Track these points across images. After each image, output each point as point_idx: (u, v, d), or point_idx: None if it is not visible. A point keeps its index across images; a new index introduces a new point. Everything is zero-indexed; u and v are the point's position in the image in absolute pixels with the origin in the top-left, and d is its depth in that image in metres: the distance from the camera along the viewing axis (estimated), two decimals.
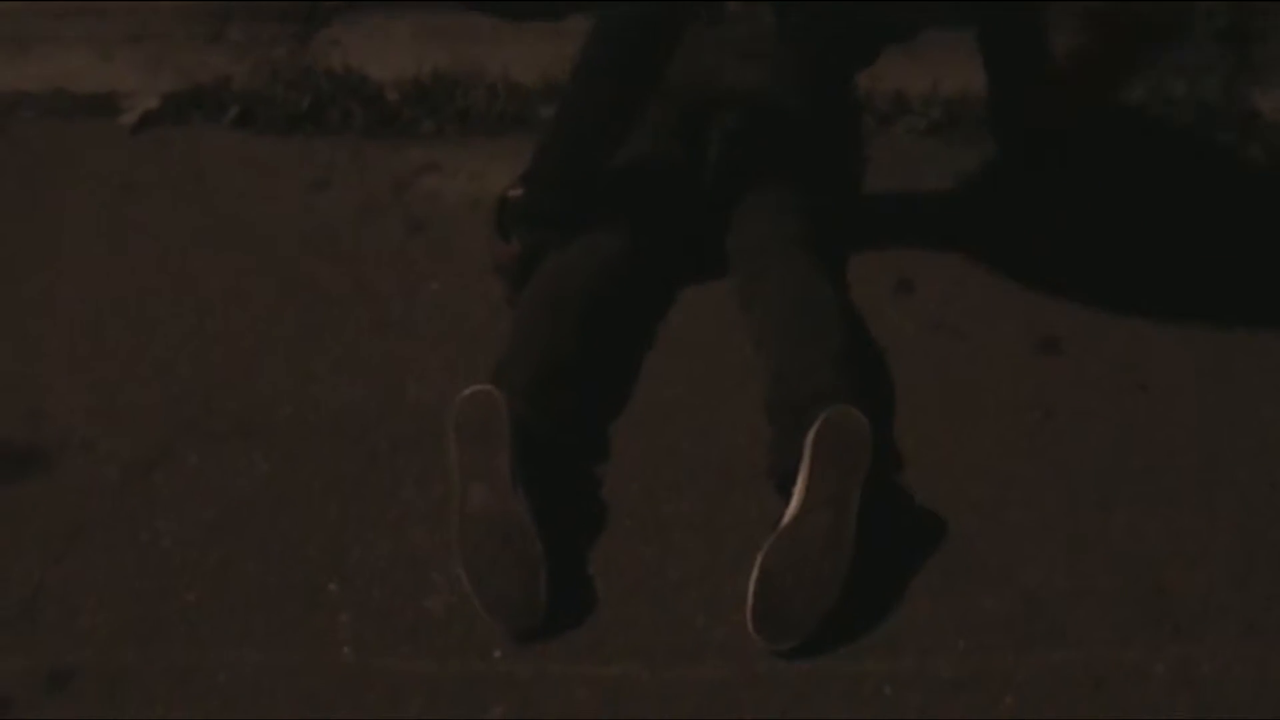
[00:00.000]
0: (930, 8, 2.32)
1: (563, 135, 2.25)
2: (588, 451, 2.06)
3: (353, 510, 1.97)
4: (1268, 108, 2.85)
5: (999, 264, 2.40)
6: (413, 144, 2.86)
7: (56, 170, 2.78)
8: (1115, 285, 2.36)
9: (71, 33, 3.21)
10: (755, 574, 1.76)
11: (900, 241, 2.48)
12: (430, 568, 1.87)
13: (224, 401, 2.17)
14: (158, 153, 2.84)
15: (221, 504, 1.98)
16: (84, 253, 2.53)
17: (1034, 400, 2.14)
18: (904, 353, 2.24)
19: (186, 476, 2.03)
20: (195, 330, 2.32)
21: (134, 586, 1.86)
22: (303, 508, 1.98)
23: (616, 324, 2.25)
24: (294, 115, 2.93)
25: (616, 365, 2.22)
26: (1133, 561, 1.87)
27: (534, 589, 1.77)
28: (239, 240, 2.55)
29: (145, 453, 2.07)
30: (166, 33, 3.22)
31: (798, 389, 1.97)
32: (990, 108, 2.57)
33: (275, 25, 3.24)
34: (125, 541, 1.93)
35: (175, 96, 2.98)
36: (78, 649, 1.78)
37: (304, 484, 2.02)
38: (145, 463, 2.06)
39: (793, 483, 1.84)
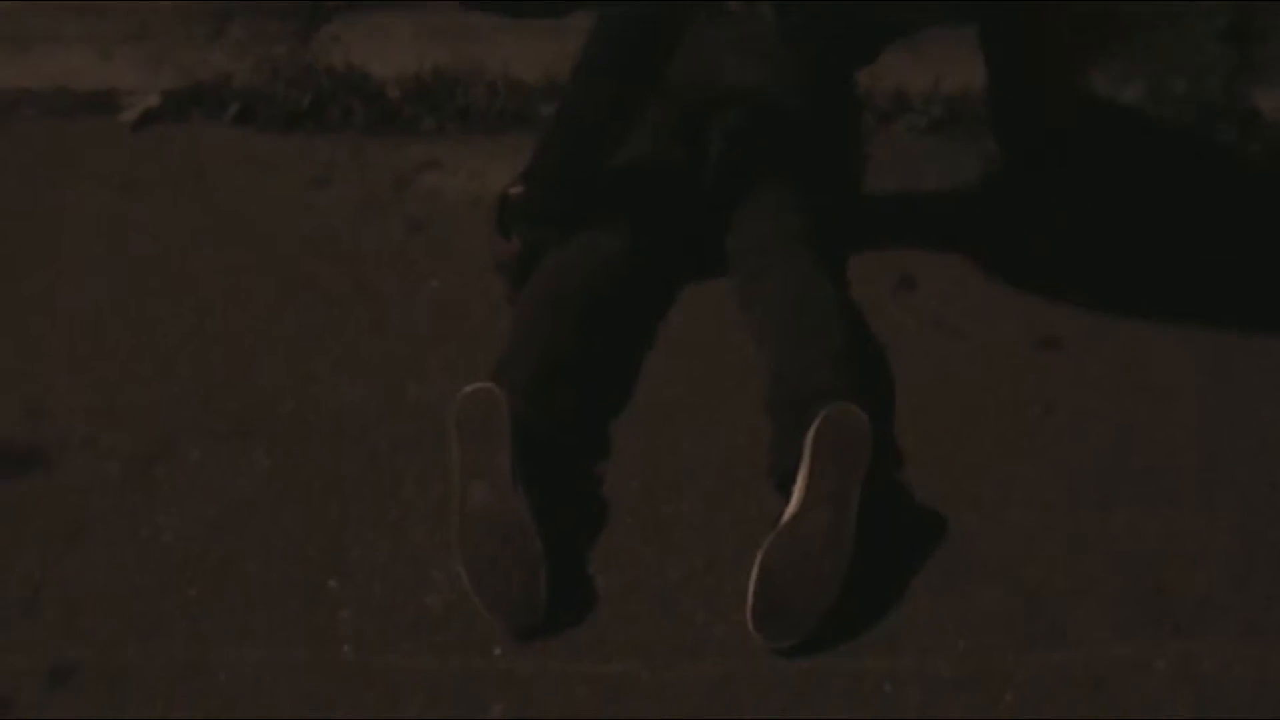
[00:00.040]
0: (931, 7, 2.32)
1: (563, 134, 2.25)
2: (588, 450, 2.06)
3: (353, 508, 1.97)
4: (1268, 107, 2.85)
5: (1000, 262, 2.40)
6: (413, 142, 2.86)
7: (57, 168, 2.78)
8: (1115, 284, 2.36)
9: (72, 30, 3.21)
10: (755, 572, 1.76)
11: (901, 239, 2.48)
12: (430, 565, 1.87)
13: (225, 399, 2.17)
14: (158, 150, 2.84)
15: (222, 502, 1.99)
16: (84, 250, 2.53)
17: (1034, 398, 2.14)
18: (905, 350, 2.24)
19: (187, 474, 2.03)
20: (195, 328, 2.32)
21: (135, 584, 1.86)
22: (303, 505, 1.98)
23: (616, 322, 2.25)
24: (294, 113, 2.93)
25: (616, 363, 2.22)
26: (1133, 560, 1.87)
27: (534, 587, 1.77)
28: (239, 238, 2.55)
29: (146, 450, 2.07)
30: (167, 30, 3.22)
31: (798, 387, 1.97)
32: (991, 105, 2.58)
33: (276, 23, 3.24)
34: (126, 539, 1.93)
35: (176, 94, 2.98)
36: (78, 646, 1.78)
37: (305, 481, 2.02)
38: (146, 460, 2.06)
39: (793, 481, 1.84)
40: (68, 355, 2.28)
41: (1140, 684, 1.70)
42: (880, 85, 2.89)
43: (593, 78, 2.19)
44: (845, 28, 2.41)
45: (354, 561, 1.88)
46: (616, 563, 1.88)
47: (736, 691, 1.70)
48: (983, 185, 2.64)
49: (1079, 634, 1.77)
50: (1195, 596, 1.82)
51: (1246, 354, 2.22)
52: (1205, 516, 1.94)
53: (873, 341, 2.25)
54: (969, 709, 1.68)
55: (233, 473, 2.03)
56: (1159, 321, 2.28)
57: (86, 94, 3.02)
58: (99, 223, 2.61)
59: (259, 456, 2.06)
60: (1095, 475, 2.01)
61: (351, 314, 2.35)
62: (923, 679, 1.71)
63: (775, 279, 2.20)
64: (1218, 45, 3.03)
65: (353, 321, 2.33)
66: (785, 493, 1.85)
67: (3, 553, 1.92)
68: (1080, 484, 1.99)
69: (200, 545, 1.92)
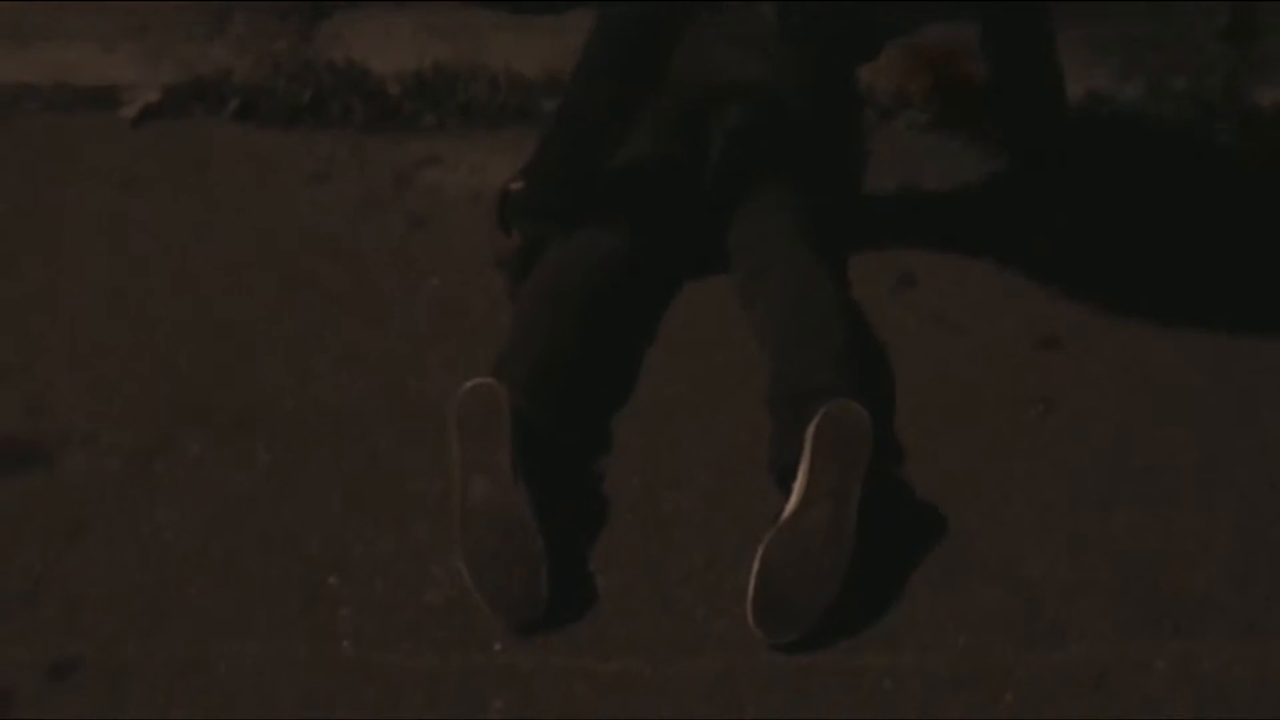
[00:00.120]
0: (931, 7, 2.32)
1: (564, 131, 2.25)
2: (588, 446, 2.06)
3: (353, 504, 1.97)
4: (1268, 105, 2.85)
5: (1000, 259, 2.40)
6: (414, 137, 2.86)
7: (57, 163, 2.78)
8: (1116, 282, 2.36)
9: (72, 25, 3.20)
10: (755, 568, 1.77)
11: (902, 236, 2.48)
12: (431, 561, 1.87)
13: (225, 395, 2.17)
14: (158, 146, 2.84)
15: (222, 498, 1.99)
16: (84, 246, 2.53)
17: (1035, 396, 2.14)
18: (905, 347, 2.24)
19: (188, 470, 2.03)
20: (196, 323, 2.32)
21: (135, 580, 1.86)
22: (303, 501, 1.98)
23: (617, 318, 2.25)
24: (295, 108, 2.92)
25: (617, 359, 2.22)
26: (1133, 558, 1.87)
27: (535, 583, 1.78)
28: (239, 233, 2.55)
29: (146, 446, 2.07)
30: (168, 26, 3.21)
31: (798, 384, 1.98)
32: (992, 103, 2.57)
33: (277, 18, 3.23)
34: (126, 535, 1.93)
35: (176, 89, 2.98)
36: (79, 642, 1.78)
37: (305, 477, 2.02)
38: (146, 456, 2.06)
39: (793, 477, 1.84)
40: (68, 351, 2.27)
41: (1140, 682, 1.70)
42: (881, 82, 2.89)
43: (593, 77, 2.19)
44: (846, 27, 2.40)
45: (354, 558, 1.89)
46: (617, 559, 1.88)
47: (737, 687, 1.70)
48: (983, 182, 2.63)
49: (1079, 632, 1.77)
50: (1195, 595, 1.82)
51: (1247, 351, 2.22)
52: (1205, 515, 1.94)
53: (873, 339, 2.25)
54: (969, 707, 1.68)
55: (233, 469, 2.03)
56: (1159, 319, 2.28)
57: (87, 89, 3.01)
58: (99, 218, 2.61)
59: (259, 452, 2.06)
60: (1095, 473, 2.01)
61: (352, 310, 2.35)
62: (923, 676, 1.72)
63: (776, 276, 2.20)
64: (1217, 43, 3.03)
65: (353, 317, 2.33)
66: (785, 489, 1.86)
67: (3, 549, 1.92)
68: (1080, 482, 1.99)
69: (200, 541, 1.92)
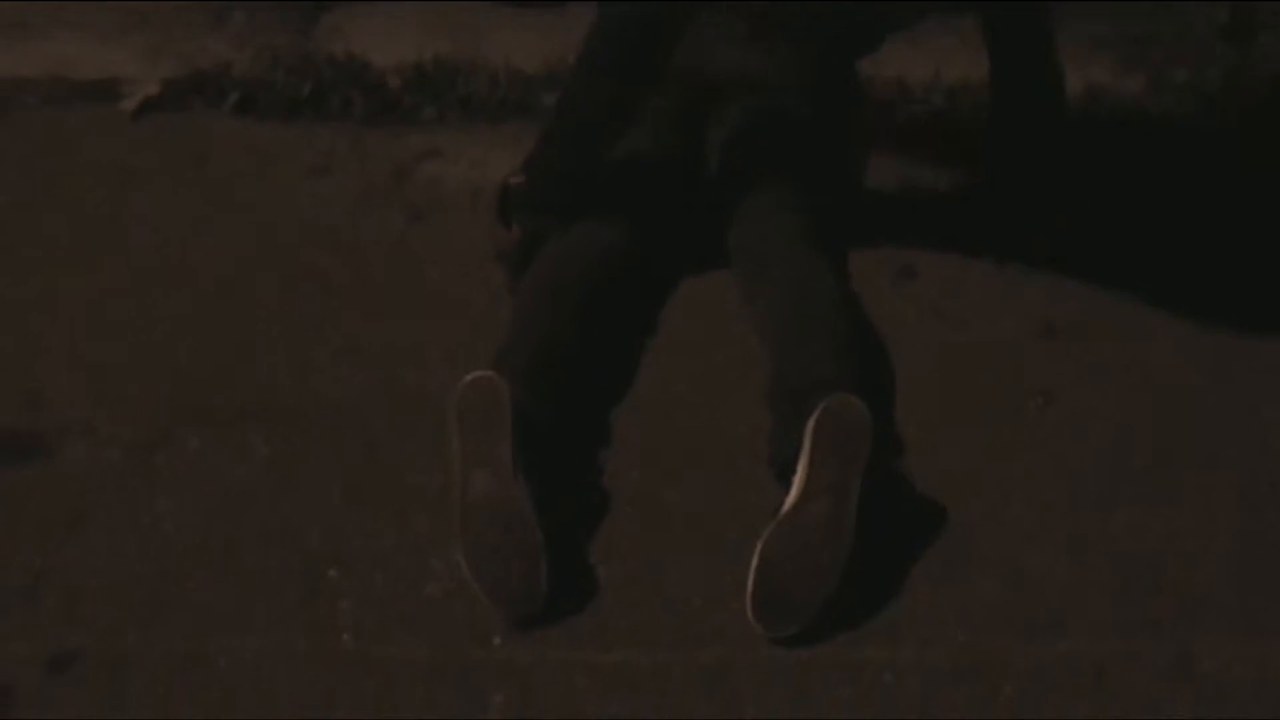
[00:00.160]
0: (930, 5, 2.32)
1: (563, 127, 2.25)
2: (588, 439, 2.06)
3: (353, 497, 1.97)
4: (1269, 99, 2.85)
5: (1001, 253, 2.40)
6: (413, 131, 2.86)
7: (56, 156, 2.78)
8: (1115, 275, 2.36)
9: (72, 18, 3.20)
10: (755, 562, 1.76)
11: (902, 230, 2.48)
12: (430, 554, 1.87)
13: (225, 387, 2.17)
14: (158, 139, 2.84)
15: (222, 490, 1.98)
16: (83, 239, 2.53)
17: (1035, 389, 2.14)
18: (905, 341, 2.24)
19: (187, 462, 2.03)
20: (195, 316, 2.32)
21: (134, 572, 1.86)
22: (303, 494, 1.98)
23: (617, 311, 2.25)
24: (295, 102, 2.92)
25: (617, 352, 2.22)
26: (1132, 552, 1.87)
27: (534, 576, 1.77)
28: (239, 227, 2.55)
29: (146, 438, 2.07)
30: (167, 19, 3.21)
31: (798, 378, 1.97)
32: (992, 97, 2.57)
33: (276, 12, 3.23)
34: (126, 527, 1.93)
35: (176, 83, 2.98)
36: (79, 634, 1.78)
37: (305, 470, 2.02)
38: (146, 448, 2.06)
39: (792, 471, 1.84)
40: (67, 343, 2.27)
41: (1139, 677, 1.70)
42: (881, 74, 2.89)
43: (593, 75, 2.19)
44: (847, 26, 2.40)
45: (354, 551, 1.88)
46: (617, 552, 1.88)
47: (736, 681, 1.70)
48: (983, 177, 2.63)
49: (1078, 626, 1.77)
50: (1195, 591, 1.82)
51: (1246, 344, 2.22)
52: (1205, 510, 1.94)
53: (873, 332, 2.25)
54: (968, 700, 1.68)
55: (233, 461, 2.03)
56: (1159, 313, 2.28)
57: (86, 82, 3.01)
58: (98, 211, 2.60)
59: (259, 445, 2.06)
60: (1095, 467, 2.01)
61: (351, 303, 2.35)
62: (922, 669, 1.72)
63: (776, 270, 2.20)
64: (1217, 39, 3.03)
65: (353, 310, 2.33)
66: (785, 483, 1.85)
67: (3, 541, 1.92)
68: (1080, 476, 1.99)
69: (200, 534, 1.92)
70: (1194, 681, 1.70)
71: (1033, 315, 2.29)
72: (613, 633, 1.77)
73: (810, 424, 1.84)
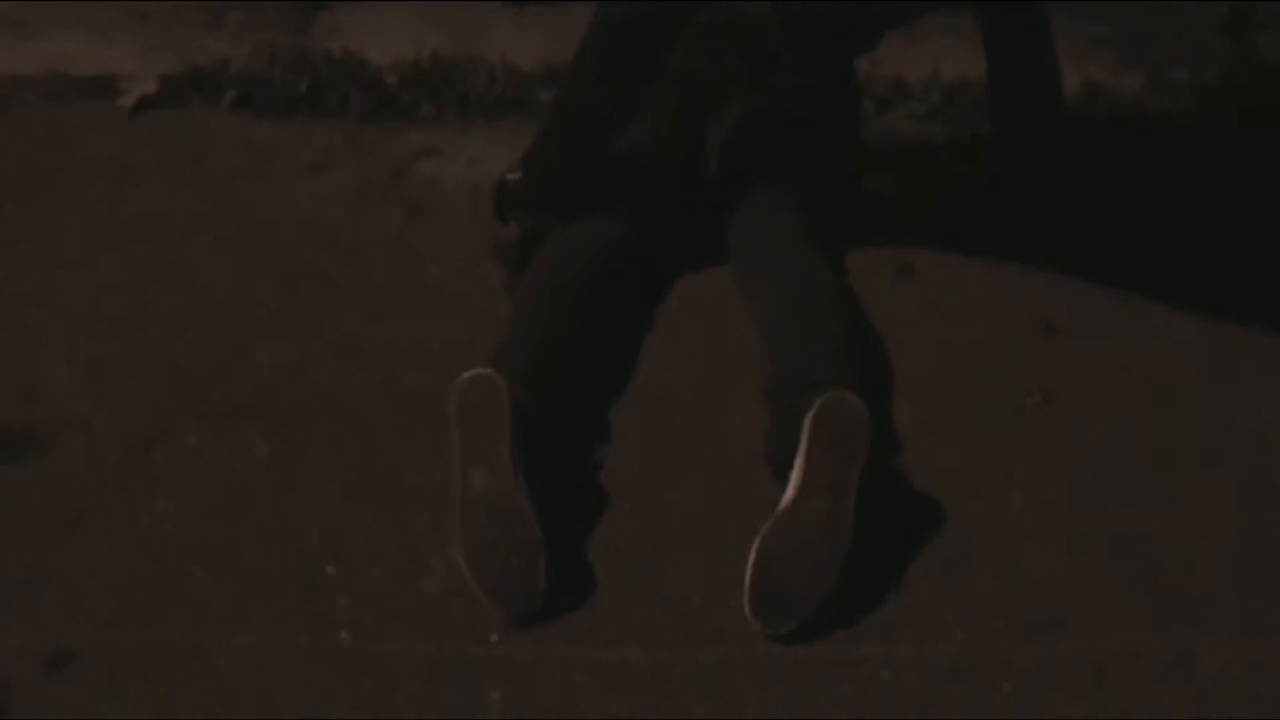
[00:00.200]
0: (928, 5, 2.32)
1: (561, 126, 2.25)
2: (587, 436, 2.06)
3: (351, 494, 1.97)
4: (1268, 96, 2.85)
5: (1000, 249, 2.40)
6: (411, 128, 2.85)
7: (54, 153, 2.77)
8: (1114, 273, 2.36)
9: (70, 15, 3.19)
10: (753, 559, 1.76)
11: (900, 228, 2.48)
12: (428, 552, 1.87)
13: (223, 384, 2.17)
14: (156, 136, 2.84)
15: (220, 487, 1.98)
16: (82, 235, 2.53)
17: (1034, 387, 2.14)
18: (904, 339, 2.24)
19: (185, 459, 2.03)
20: (193, 313, 2.32)
21: (132, 569, 1.86)
22: (301, 491, 1.97)
23: (616, 309, 2.25)
24: (292, 99, 2.92)
25: (616, 350, 2.22)
26: (1132, 551, 1.87)
27: (533, 573, 1.77)
28: (237, 224, 2.55)
29: (144, 435, 2.07)
30: (165, 16, 3.21)
31: (796, 375, 1.97)
32: (990, 94, 2.57)
33: (274, 9, 3.23)
34: (124, 524, 1.93)
35: (173, 80, 2.97)
36: (77, 631, 1.77)
37: (303, 467, 2.01)
38: (144, 445, 2.05)
39: (790, 468, 1.84)
40: (65, 338, 2.27)
41: (1138, 676, 1.70)
42: (879, 72, 2.89)
43: (592, 74, 2.19)
44: (846, 25, 2.40)
45: (352, 548, 1.88)
46: (615, 549, 1.88)
47: (734, 678, 1.70)
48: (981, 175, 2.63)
49: (1078, 624, 1.77)
50: (1195, 589, 1.82)
51: (1246, 343, 2.22)
52: (1205, 508, 1.94)
53: (871, 330, 2.25)
54: (967, 698, 1.68)
55: (231, 458, 2.03)
56: (1158, 311, 2.28)
57: (84, 79, 3.01)
58: (96, 208, 2.60)
59: (257, 442, 2.06)
60: (1094, 465, 2.01)
61: (349, 300, 2.34)
62: (921, 667, 1.72)
63: (774, 267, 2.20)
64: (1217, 36, 3.03)
65: (351, 308, 2.33)
66: (783, 480, 1.86)
67: (1, 536, 1.91)
68: (1079, 475, 1.99)
69: (198, 531, 1.91)
70: (1194, 681, 1.70)
71: (1032, 314, 2.29)
72: (611, 630, 1.77)
73: (808, 421, 1.84)
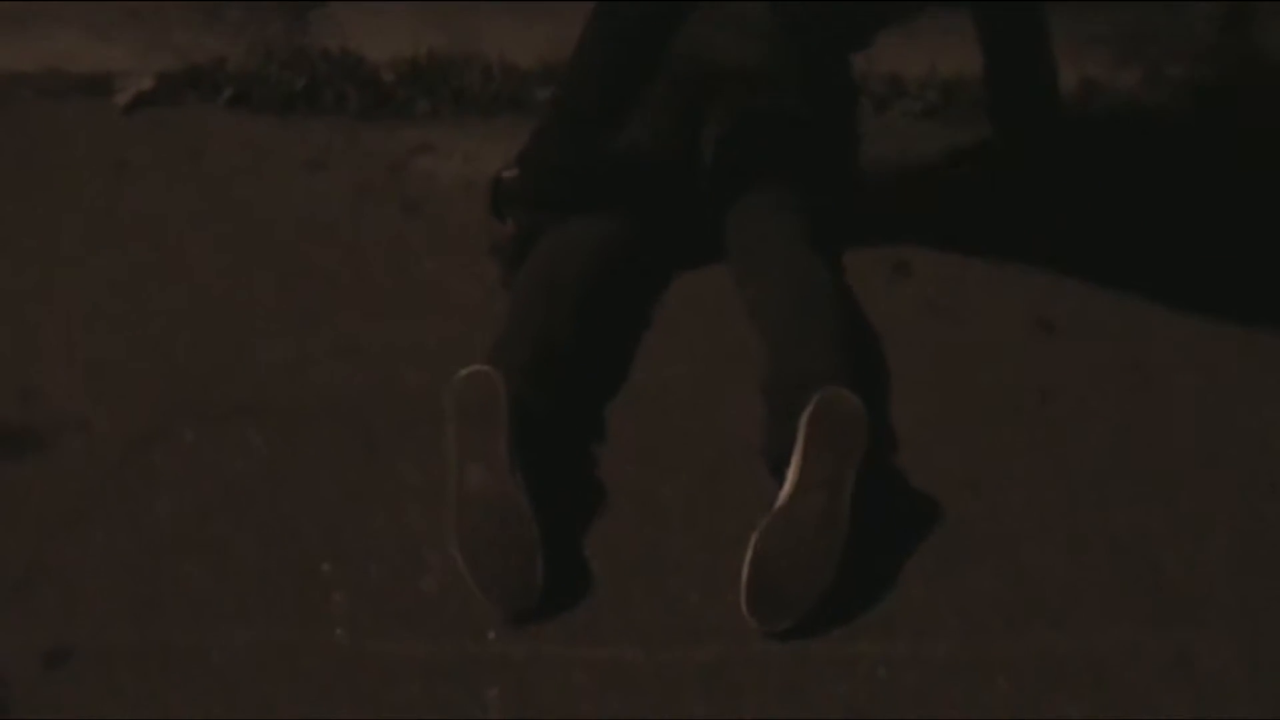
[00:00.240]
0: (926, 2, 2.32)
1: (558, 123, 2.25)
2: (584, 433, 2.06)
3: (348, 490, 1.97)
4: (1266, 93, 2.85)
5: (997, 247, 2.40)
6: (408, 125, 2.86)
7: (51, 151, 2.78)
8: (1112, 270, 2.36)
9: (67, 12, 3.19)
10: (750, 555, 1.76)
11: (897, 225, 2.48)
12: (425, 548, 1.87)
13: (220, 381, 2.17)
14: (153, 133, 2.84)
15: (218, 484, 1.98)
16: (79, 233, 2.53)
17: (1031, 384, 2.14)
18: (902, 337, 2.24)
19: (183, 456, 2.03)
20: (191, 311, 2.32)
21: (130, 566, 1.86)
22: (299, 488, 1.97)
23: (613, 304, 2.25)
24: (289, 96, 2.92)
25: (613, 346, 2.22)
26: (1130, 546, 1.87)
27: (530, 570, 1.77)
28: (234, 221, 2.55)
29: (141, 433, 2.07)
30: (162, 13, 3.21)
31: (793, 372, 1.97)
32: (987, 92, 2.57)
33: (271, 6, 3.23)
34: (121, 521, 1.93)
35: (170, 77, 2.98)
36: (74, 628, 1.77)
37: (300, 464, 2.01)
38: (141, 442, 2.05)
39: (787, 464, 1.84)
40: (63, 336, 2.27)
41: (1136, 673, 1.70)
42: (876, 70, 2.89)
43: (589, 74, 2.19)
44: (844, 24, 2.40)
45: (349, 544, 1.88)
46: (612, 546, 1.88)
47: (732, 675, 1.70)
48: (979, 172, 2.63)
49: (1075, 621, 1.77)
50: (1194, 588, 1.82)
51: (1242, 337, 2.23)
52: (1202, 505, 1.94)
53: (868, 327, 2.25)
54: (963, 693, 1.68)
55: (228, 455, 2.03)
56: (1155, 305, 2.28)
57: (81, 77, 3.01)
58: (93, 206, 2.60)
59: (254, 439, 2.06)
60: (1092, 462, 2.01)
61: (347, 297, 2.34)
62: (917, 663, 1.72)
63: (773, 266, 2.20)
64: (1215, 33, 3.04)
65: (348, 305, 2.33)
66: (780, 477, 1.86)
67: None
68: (1077, 469, 1.99)
69: (195, 528, 1.91)
70: (1192, 680, 1.70)
71: (1029, 309, 2.29)
72: (609, 627, 1.77)
73: (804, 417, 1.84)
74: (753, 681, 1.70)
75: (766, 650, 1.73)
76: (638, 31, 2.13)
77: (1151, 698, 1.67)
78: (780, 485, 1.83)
